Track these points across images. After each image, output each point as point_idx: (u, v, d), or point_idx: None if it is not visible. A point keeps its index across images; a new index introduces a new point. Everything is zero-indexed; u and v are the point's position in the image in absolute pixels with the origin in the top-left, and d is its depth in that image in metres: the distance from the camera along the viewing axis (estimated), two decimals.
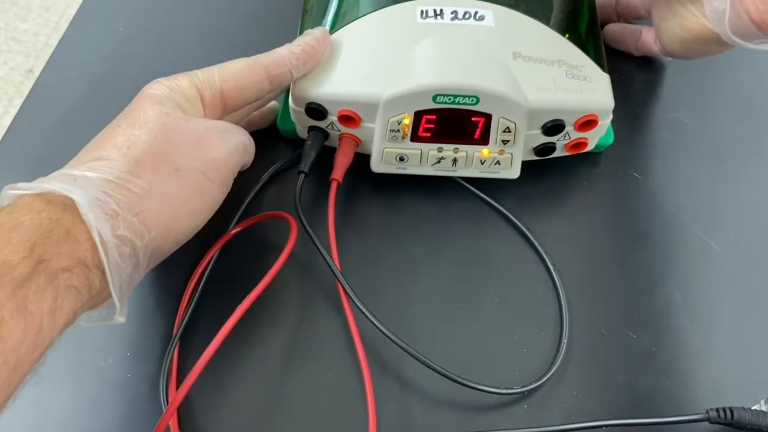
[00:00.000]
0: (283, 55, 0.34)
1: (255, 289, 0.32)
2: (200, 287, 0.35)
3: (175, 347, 0.33)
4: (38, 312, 0.24)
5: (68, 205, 0.26)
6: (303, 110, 0.36)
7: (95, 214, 0.26)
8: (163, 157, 0.29)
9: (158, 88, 0.31)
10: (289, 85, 0.36)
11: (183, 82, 0.32)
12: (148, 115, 0.30)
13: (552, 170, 0.40)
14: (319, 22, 0.38)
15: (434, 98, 0.34)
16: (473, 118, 0.35)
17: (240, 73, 0.33)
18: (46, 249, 0.24)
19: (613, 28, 0.46)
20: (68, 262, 0.25)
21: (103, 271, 0.26)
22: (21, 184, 0.27)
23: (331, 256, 0.34)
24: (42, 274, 0.24)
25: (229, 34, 0.46)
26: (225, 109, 0.34)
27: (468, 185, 0.39)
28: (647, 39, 0.43)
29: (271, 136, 0.41)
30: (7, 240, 0.24)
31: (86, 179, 0.27)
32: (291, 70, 0.34)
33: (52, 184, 0.26)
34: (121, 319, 0.28)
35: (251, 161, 0.35)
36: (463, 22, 0.36)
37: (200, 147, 0.30)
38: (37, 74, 0.49)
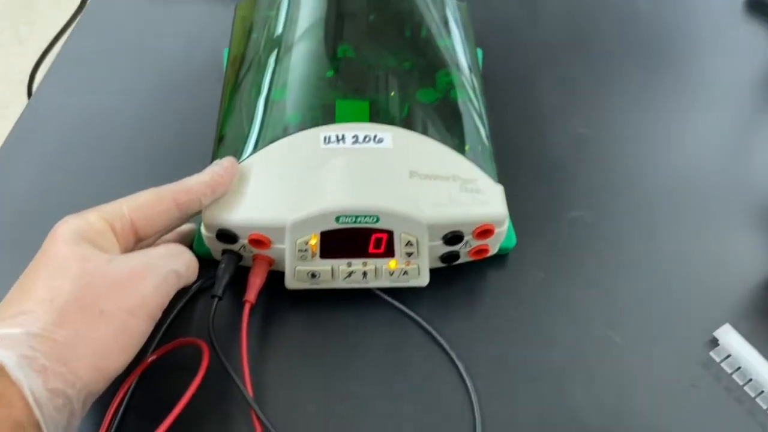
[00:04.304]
0: (191, 184, 0.36)
1: (163, 423, 0.32)
2: (118, 419, 0.35)
3: None
4: None
5: None
6: (214, 236, 0.37)
7: (24, 372, 0.26)
8: (87, 303, 0.29)
9: (68, 227, 0.32)
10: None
11: (92, 217, 0.33)
12: (66, 260, 0.30)
13: (463, 275, 0.42)
14: (230, 151, 0.40)
15: (337, 219, 0.36)
16: (377, 235, 0.37)
17: (148, 203, 0.34)
18: None
19: None
20: (4, 428, 0.25)
21: (40, 428, 0.26)
22: None
23: (243, 382, 0.35)
24: None
25: (149, 162, 0.48)
26: (137, 238, 0.35)
27: (383, 294, 0.41)
28: None
29: None
30: None
31: (11, 337, 0.27)
32: (200, 198, 0.36)
33: None
34: None
35: (195, 278, 0.36)
36: (364, 145, 0.39)
37: (123, 288, 0.31)
38: None
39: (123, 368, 0.31)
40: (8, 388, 0.26)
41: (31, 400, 0.26)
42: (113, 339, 0.30)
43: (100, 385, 0.30)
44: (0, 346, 0.27)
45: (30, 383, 0.26)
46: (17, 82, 1.57)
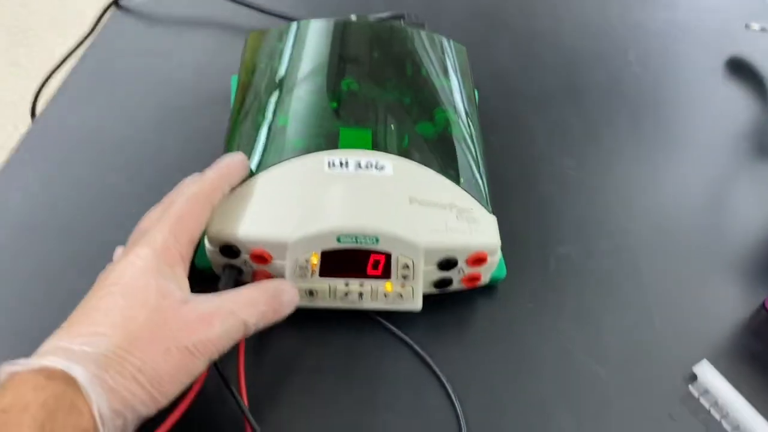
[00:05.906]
0: (219, 185, 0.38)
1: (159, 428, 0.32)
2: None
3: None
4: None
5: (69, 380, 0.28)
6: (218, 249, 0.39)
7: (94, 389, 0.28)
8: (156, 338, 0.31)
9: (144, 259, 0.33)
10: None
11: (161, 248, 0.34)
12: (146, 292, 0.32)
13: (455, 303, 0.44)
14: None
15: (338, 239, 0.38)
16: (375, 256, 0.39)
17: (196, 225, 0.36)
18: (55, 426, 0.27)
19: None
20: None
21: None
22: (21, 361, 0.29)
23: (239, 393, 0.35)
24: None
25: (153, 181, 0.49)
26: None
27: (377, 317, 0.42)
28: None
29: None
30: (20, 423, 0.26)
31: (83, 354, 0.29)
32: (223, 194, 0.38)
33: (52, 360, 0.28)
34: None
35: (274, 322, 0.36)
36: (366, 171, 0.41)
37: (191, 330, 0.32)
38: None
39: (172, 399, 0.32)
40: (79, 399, 0.28)
41: (97, 416, 0.28)
42: (171, 374, 0.31)
43: (152, 413, 0.31)
44: (74, 361, 0.29)
45: (98, 401, 0.28)
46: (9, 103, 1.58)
